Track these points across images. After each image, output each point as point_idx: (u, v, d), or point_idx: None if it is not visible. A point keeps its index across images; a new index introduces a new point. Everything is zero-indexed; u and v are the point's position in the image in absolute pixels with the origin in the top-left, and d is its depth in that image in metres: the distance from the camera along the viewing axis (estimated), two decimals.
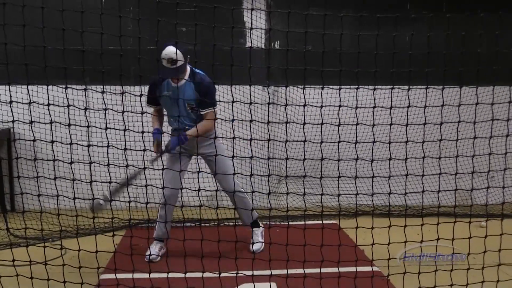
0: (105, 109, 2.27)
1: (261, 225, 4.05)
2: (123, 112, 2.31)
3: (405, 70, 2.67)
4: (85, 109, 2.26)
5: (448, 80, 2.84)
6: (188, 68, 3.56)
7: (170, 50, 3.27)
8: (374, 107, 2.76)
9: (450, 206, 4.79)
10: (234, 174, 2.83)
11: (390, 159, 2.72)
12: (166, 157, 3.74)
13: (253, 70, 2.39)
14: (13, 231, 4.00)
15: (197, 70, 3.59)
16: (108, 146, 2.42)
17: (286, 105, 2.56)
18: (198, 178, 2.58)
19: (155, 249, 3.72)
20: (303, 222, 3.21)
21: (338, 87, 2.51)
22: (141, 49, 2.35)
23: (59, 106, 2.49)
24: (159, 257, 3.69)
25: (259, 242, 3.92)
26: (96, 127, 2.54)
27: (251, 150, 2.41)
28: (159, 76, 3.43)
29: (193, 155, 3.77)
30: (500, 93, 4.67)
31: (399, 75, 2.68)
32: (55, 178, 2.33)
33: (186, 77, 3.52)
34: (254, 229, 3.97)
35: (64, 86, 2.32)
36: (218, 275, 2.50)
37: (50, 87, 2.54)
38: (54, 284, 2.55)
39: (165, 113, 3.79)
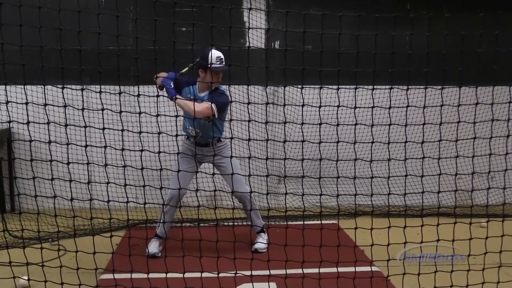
0: (103, 109, 2.26)
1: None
2: (120, 112, 2.30)
3: (404, 70, 2.66)
4: (82, 109, 2.25)
5: (448, 80, 2.82)
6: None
7: (218, 52, 3.58)
8: (373, 107, 2.74)
9: (450, 206, 4.78)
10: (233, 174, 2.82)
11: (389, 160, 2.70)
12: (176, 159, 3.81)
13: (253, 70, 2.38)
14: (12, 232, 3.99)
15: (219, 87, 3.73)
16: (105, 146, 2.41)
17: (284, 104, 2.55)
18: (196, 178, 2.57)
19: (155, 244, 3.79)
20: (302, 223, 3.20)
21: (337, 87, 2.50)
22: (140, 49, 2.35)
23: (57, 106, 2.48)
24: (159, 252, 3.75)
25: (263, 244, 3.92)
26: (93, 127, 2.53)
27: (249, 150, 2.40)
28: (191, 80, 3.67)
29: (203, 162, 3.87)
30: (500, 93, 4.66)
31: (398, 75, 2.67)
32: (52, 179, 2.32)
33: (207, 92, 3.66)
34: (262, 233, 4.00)
35: (61, 86, 2.32)
36: (217, 275, 2.49)
37: (49, 87, 2.53)
38: (52, 285, 2.54)
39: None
